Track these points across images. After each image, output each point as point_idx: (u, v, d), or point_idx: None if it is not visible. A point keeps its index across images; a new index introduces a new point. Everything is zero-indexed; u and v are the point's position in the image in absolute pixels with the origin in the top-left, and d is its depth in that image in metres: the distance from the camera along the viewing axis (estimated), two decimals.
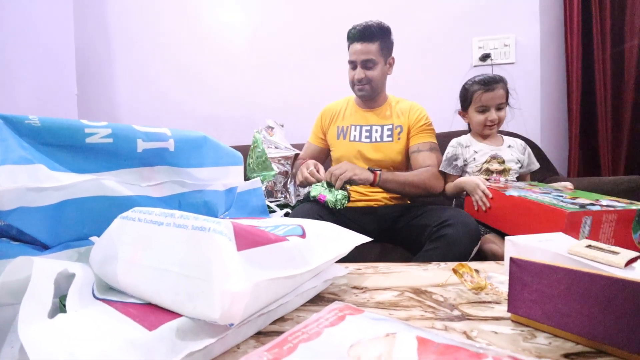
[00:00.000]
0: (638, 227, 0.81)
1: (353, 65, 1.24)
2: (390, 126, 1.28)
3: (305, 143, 1.50)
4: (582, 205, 0.80)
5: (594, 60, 1.55)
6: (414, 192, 1.15)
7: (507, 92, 1.21)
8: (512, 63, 1.68)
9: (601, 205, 0.80)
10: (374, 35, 1.19)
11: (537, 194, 0.92)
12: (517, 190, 0.95)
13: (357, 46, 1.20)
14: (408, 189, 1.14)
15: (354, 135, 1.30)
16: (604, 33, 1.55)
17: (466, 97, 1.24)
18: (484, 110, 1.21)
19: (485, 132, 1.24)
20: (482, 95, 1.18)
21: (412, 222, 1.09)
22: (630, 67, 1.52)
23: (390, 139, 1.27)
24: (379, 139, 1.28)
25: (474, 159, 1.22)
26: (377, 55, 1.21)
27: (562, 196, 0.89)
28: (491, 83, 1.18)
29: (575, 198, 0.87)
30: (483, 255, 0.99)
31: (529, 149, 1.27)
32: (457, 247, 0.89)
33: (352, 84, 1.27)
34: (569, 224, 0.75)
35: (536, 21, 1.66)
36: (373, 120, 1.30)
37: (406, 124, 1.27)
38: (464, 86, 1.27)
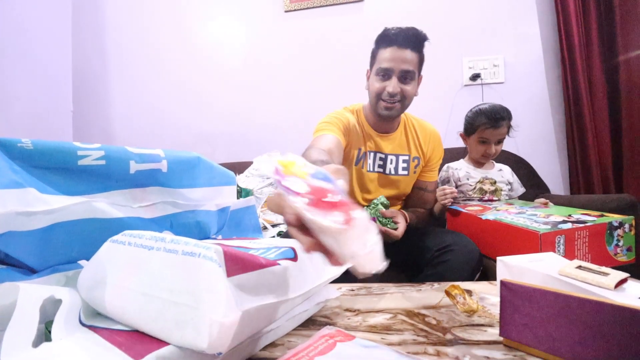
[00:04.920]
0: (611, 240, 0.83)
1: (386, 74, 0.98)
2: (406, 157, 1.09)
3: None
4: (555, 224, 0.81)
5: (587, 78, 1.59)
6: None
7: (509, 128, 1.26)
8: (502, 82, 1.73)
9: (572, 222, 0.82)
10: (418, 43, 0.98)
11: (512, 215, 0.93)
12: (493, 213, 0.97)
13: (397, 51, 0.96)
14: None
15: (369, 164, 1.08)
16: (594, 51, 1.60)
17: (471, 125, 1.26)
18: (484, 142, 1.25)
19: (481, 160, 1.30)
20: (486, 130, 1.22)
21: (411, 243, 1.00)
22: (623, 83, 1.56)
23: (405, 172, 1.09)
24: (393, 172, 1.08)
25: (467, 179, 1.27)
26: (417, 69, 1.00)
27: (535, 215, 0.91)
28: (497, 120, 1.21)
29: (548, 216, 0.89)
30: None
31: (515, 176, 1.34)
32: (459, 274, 0.84)
33: (378, 97, 1.00)
34: (544, 245, 0.77)
35: (524, 42, 1.72)
36: (388, 148, 1.09)
37: (425, 157, 1.12)
38: (471, 112, 1.29)
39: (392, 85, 0.97)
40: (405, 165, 1.09)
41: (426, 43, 1.01)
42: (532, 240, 0.79)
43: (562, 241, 0.79)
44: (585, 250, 0.80)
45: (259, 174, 1.55)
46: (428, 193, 1.14)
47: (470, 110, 1.30)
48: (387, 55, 0.97)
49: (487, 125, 1.21)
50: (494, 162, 1.35)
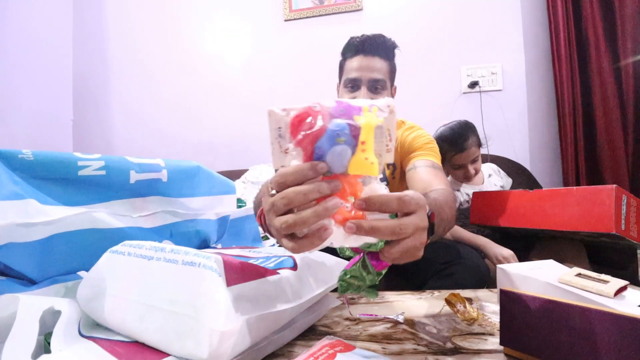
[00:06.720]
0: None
1: (355, 85, 0.91)
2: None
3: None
4: None
5: (581, 83, 1.60)
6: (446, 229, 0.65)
7: (479, 144, 1.17)
8: (500, 90, 1.74)
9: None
10: (386, 51, 0.91)
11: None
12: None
13: (363, 60, 0.90)
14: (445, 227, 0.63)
15: None
16: (588, 57, 1.62)
17: (440, 154, 1.06)
18: (459, 167, 1.18)
19: (465, 183, 1.23)
20: (454, 157, 1.15)
21: None
22: (621, 89, 1.57)
23: (384, 182, 0.94)
24: None
25: (468, 202, 1.21)
26: (388, 78, 0.92)
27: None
28: (460, 143, 1.11)
29: None
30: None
31: (502, 171, 1.31)
32: (464, 288, 0.83)
33: None
34: (617, 199, 0.76)
35: (521, 50, 1.74)
36: None
37: (398, 157, 0.98)
38: (435, 139, 1.04)
39: (362, 95, 0.90)
40: (382, 176, 0.98)
41: (397, 51, 0.94)
42: (603, 196, 0.77)
43: (625, 202, 0.78)
44: (634, 219, 0.81)
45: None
46: (425, 169, 0.88)
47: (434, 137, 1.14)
48: (354, 64, 0.91)
49: (453, 153, 1.13)
50: (481, 172, 1.28)
